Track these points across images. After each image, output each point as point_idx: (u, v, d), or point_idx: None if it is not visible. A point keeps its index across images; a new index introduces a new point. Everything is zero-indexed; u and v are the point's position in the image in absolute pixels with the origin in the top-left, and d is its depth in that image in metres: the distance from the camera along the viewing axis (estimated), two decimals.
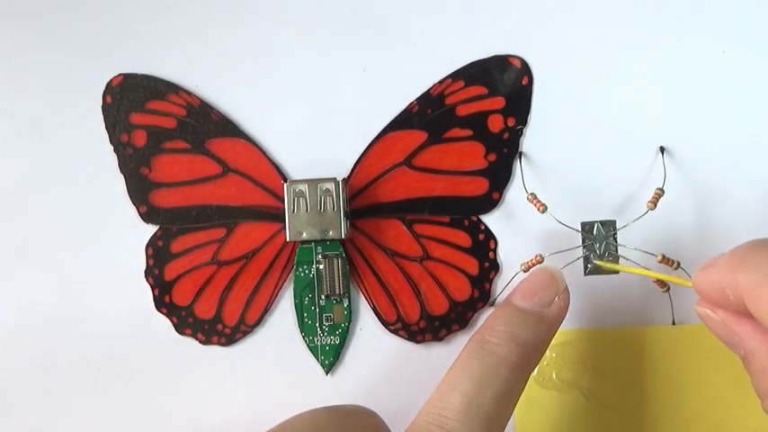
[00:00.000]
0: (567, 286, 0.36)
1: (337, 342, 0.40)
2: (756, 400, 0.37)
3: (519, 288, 0.36)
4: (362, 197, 0.40)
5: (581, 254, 0.37)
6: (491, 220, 0.40)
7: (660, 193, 0.37)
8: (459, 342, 0.39)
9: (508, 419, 0.33)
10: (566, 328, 0.38)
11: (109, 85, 0.41)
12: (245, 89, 0.41)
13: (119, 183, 0.41)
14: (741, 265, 0.30)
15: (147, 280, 0.41)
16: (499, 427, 0.32)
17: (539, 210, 0.38)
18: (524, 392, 0.34)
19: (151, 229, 0.41)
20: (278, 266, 0.40)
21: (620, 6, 0.40)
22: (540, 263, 0.38)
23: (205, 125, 0.40)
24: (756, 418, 0.38)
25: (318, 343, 0.40)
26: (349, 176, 0.40)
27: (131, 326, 0.41)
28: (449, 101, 0.40)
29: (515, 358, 0.33)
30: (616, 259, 0.37)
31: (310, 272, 0.40)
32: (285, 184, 0.39)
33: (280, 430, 0.33)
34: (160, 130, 0.40)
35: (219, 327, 0.40)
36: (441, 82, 0.40)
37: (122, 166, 0.41)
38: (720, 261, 0.31)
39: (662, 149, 0.39)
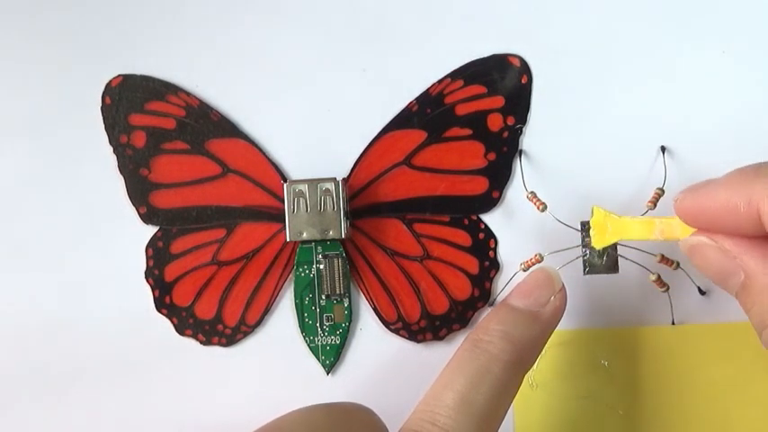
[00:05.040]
0: (563, 286, 0.37)
1: (338, 342, 0.41)
2: (756, 400, 0.38)
3: (515, 288, 0.37)
4: (362, 197, 0.41)
5: (580, 253, 0.38)
6: (491, 219, 0.41)
7: (660, 192, 0.38)
8: (460, 341, 0.39)
9: (502, 418, 0.34)
10: (565, 328, 0.39)
11: (108, 86, 0.42)
12: (245, 89, 0.42)
13: (118, 184, 0.42)
14: (755, 177, 0.30)
15: (148, 281, 0.42)
16: (493, 425, 0.34)
17: (538, 209, 0.39)
18: (523, 393, 0.35)
19: (151, 230, 0.42)
20: (278, 267, 0.41)
21: (620, 6, 0.40)
22: (540, 262, 0.39)
23: (204, 126, 0.41)
24: (756, 418, 0.39)
25: (319, 343, 0.41)
26: (349, 176, 0.41)
27: (132, 327, 0.42)
28: (448, 100, 0.41)
29: (509, 357, 0.35)
30: (615, 260, 0.38)
31: (310, 272, 0.41)
32: (285, 184, 0.40)
33: (275, 427, 0.33)
34: (159, 131, 0.41)
35: (220, 327, 0.42)
36: (440, 81, 0.41)
37: (122, 167, 0.42)
38: (724, 179, 0.31)
39: (663, 149, 0.40)
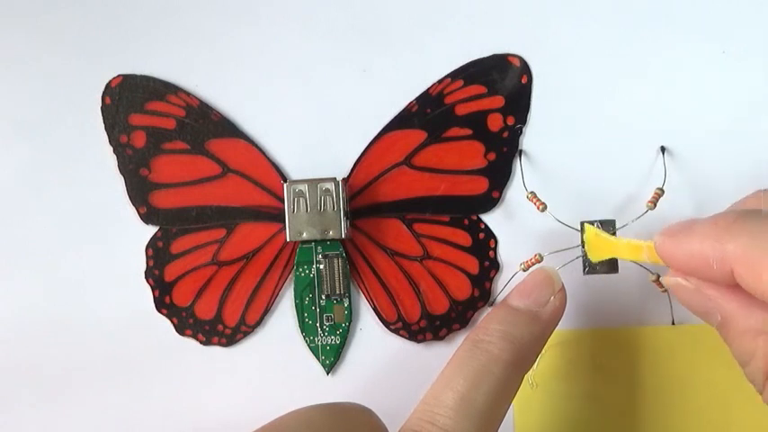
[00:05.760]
0: (563, 286, 0.37)
1: (338, 342, 0.41)
2: (756, 400, 0.38)
3: (515, 288, 0.37)
4: (362, 197, 0.41)
5: (580, 253, 0.38)
6: (491, 219, 0.41)
7: (660, 192, 0.39)
8: (460, 341, 0.39)
9: (502, 418, 0.34)
10: (564, 328, 0.40)
11: (108, 86, 0.42)
12: (245, 89, 0.42)
13: (118, 184, 0.42)
14: (728, 235, 0.30)
15: (148, 281, 0.42)
16: (492, 425, 0.34)
17: (538, 208, 0.39)
18: (523, 393, 0.35)
19: (151, 230, 0.42)
20: (278, 267, 0.42)
21: (620, 6, 0.41)
22: (540, 262, 0.39)
23: (204, 126, 0.42)
24: (756, 418, 0.39)
25: (319, 343, 0.41)
26: (349, 176, 0.41)
27: (132, 327, 0.42)
28: (448, 100, 0.41)
29: (509, 356, 0.35)
30: (615, 260, 0.38)
31: (311, 272, 0.41)
32: (285, 184, 0.40)
33: (275, 427, 0.34)
34: (159, 131, 0.42)
35: (220, 327, 0.42)
36: (440, 81, 0.41)
37: (122, 167, 0.42)
38: (700, 229, 0.31)
39: (663, 149, 0.40)
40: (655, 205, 0.39)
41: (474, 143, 0.41)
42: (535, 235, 0.41)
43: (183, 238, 0.42)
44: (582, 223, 0.38)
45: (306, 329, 0.41)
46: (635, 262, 0.38)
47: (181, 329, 0.42)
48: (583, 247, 0.38)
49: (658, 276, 0.39)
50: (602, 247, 0.37)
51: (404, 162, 0.41)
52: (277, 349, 0.42)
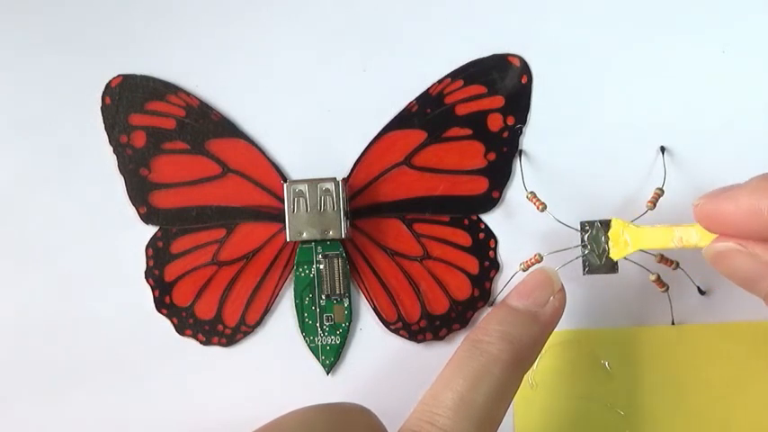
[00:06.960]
0: (563, 286, 0.37)
1: (338, 342, 0.41)
2: (756, 400, 0.38)
3: (515, 289, 0.37)
4: (362, 197, 0.41)
5: (580, 253, 0.38)
6: (491, 219, 0.41)
7: (660, 192, 0.39)
8: (460, 341, 0.39)
9: (501, 418, 0.34)
10: (564, 328, 0.40)
11: (108, 86, 0.42)
12: (245, 89, 0.42)
13: (118, 184, 0.42)
14: None
15: (148, 281, 0.42)
16: (492, 426, 0.34)
17: (538, 208, 0.40)
18: (523, 393, 0.35)
19: (151, 230, 0.42)
20: (278, 267, 0.42)
21: (620, 6, 0.41)
22: (540, 262, 0.39)
23: (204, 126, 0.42)
24: (756, 418, 0.39)
25: (319, 343, 0.41)
26: (349, 176, 0.41)
27: (132, 327, 0.42)
28: (448, 100, 0.41)
29: (508, 357, 0.35)
30: (614, 260, 0.38)
31: (311, 272, 0.41)
32: (285, 184, 0.40)
33: (275, 427, 0.34)
34: (159, 131, 0.42)
35: (220, 327, 0.42)
36: (440, 81, 0.41)
37: (122, 167, 0.42)
38: (744, 186, 0.31)
39: (662, 149, 0.40)
40: (654, 205, 0.39)
41: (474, 143, 0.41)
42: (535, 235, 0.41)
43: (183, 238, 0.42)
44: (606, 222, 0.37)
45: (306, 329, 0.42)
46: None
47: (181, 329, 0.42)
48: (583, 246, 0.38)
49: (659, 276, 0.39)
50: (632, 239, 0.36)
51: (404, 162, 0.41)
52: (277, 349, 0.42)
